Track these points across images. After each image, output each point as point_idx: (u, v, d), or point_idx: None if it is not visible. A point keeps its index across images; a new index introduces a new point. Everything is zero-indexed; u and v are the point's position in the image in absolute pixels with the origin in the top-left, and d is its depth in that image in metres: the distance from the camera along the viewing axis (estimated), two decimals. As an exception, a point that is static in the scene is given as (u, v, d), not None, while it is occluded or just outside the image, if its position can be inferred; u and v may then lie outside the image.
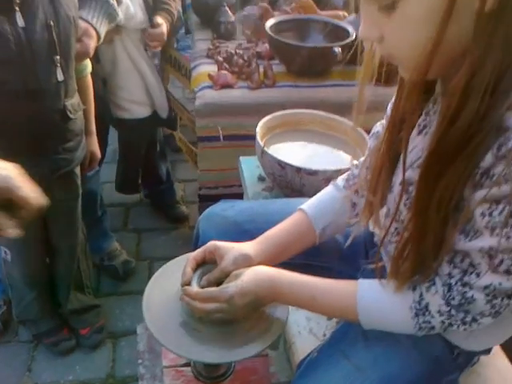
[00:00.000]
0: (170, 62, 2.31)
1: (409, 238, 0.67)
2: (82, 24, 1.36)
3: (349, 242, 0.89)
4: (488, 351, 0.85)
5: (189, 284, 0.81)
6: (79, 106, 1.36)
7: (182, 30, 2.95)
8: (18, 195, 0.72)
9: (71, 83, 1.30)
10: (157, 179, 2.21)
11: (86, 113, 1.44)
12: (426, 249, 0.65)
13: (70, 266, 1.61)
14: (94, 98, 1.54)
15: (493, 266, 0.60)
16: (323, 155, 1.36)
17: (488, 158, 0.56)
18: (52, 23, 1.17)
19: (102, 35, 1.44)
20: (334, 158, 1.37)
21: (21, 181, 0.72)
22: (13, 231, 0.73)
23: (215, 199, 1.24)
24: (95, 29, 1.40)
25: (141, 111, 1.92)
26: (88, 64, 1.49)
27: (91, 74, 1.52)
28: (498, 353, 0.92)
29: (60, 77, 1.23)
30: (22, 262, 1.51)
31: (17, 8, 1.11)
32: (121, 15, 1.52)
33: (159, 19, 1.77)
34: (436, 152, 0.60)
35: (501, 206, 0.56)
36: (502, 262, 0.59)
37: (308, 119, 1.44)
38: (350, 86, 1.64)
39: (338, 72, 1.76)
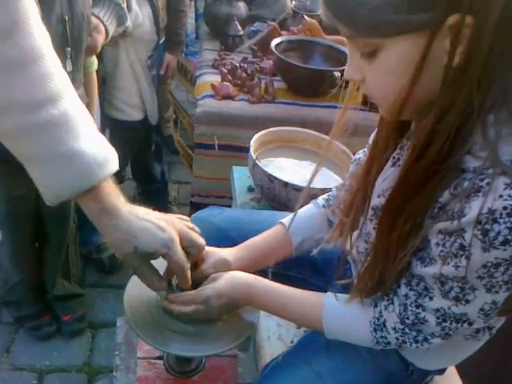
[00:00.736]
0: (177, 66, 2.39)
1: (373, 259, 0.73)
2: (94, 20, 1.45)
3: (316, 251, 0.93)
4: (442, 371, 0.90)
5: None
6: (83, 99, 1.43)
7: (193, 35, 3.03)
8: (173, 261, 0.77)
9: (79, 75, 1.37)
10: (150, 178, 2.28)
11: (88, 107, 1.51)
12: (387, 270, 0.71)
13: (58, 253, 1.65)
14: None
15: (443, 292, 0.66)
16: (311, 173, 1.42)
17: (446, 195, 0.62)
18: (67, 18, 1.25)
19: (110, 34, 1.53)
20: (321, 176, 1.44)
21: (178, 243, 0.77)
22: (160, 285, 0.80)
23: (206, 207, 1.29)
24: (105, 26, 1.49)
25: (134, 114, 2.02)
26: (95, 61, 1.57)
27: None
28: (452, 374, 0.97)
29: (69, 67, 1.30)
30: (12, 242, 1.56)
31: (36, 0, 1.19)
32: (129, 22, 1.60)
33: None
34: (401, 184, 0.66)
35: (453, 239, 0.61)
36: (451, 288, 0.65)
37: (302, 137, 1.51)
38: (352, 109, 1.70)
39: (336, 94, 1.82)
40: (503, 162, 0.57)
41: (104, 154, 0.72)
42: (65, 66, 1.29)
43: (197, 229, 0.84)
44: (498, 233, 0.57)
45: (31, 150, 0.68)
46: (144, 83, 1.97)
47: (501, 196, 0.56)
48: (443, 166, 0.62)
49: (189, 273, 0.81)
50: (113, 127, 2.08)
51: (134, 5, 1.73)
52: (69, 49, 1.28)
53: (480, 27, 0.55)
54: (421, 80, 0.60)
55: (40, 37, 0.66)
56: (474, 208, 0.58)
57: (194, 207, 1.84)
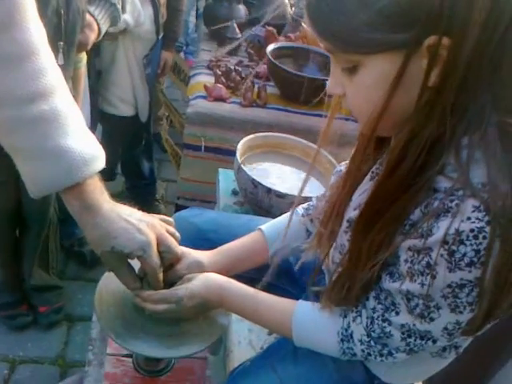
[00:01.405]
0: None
1: (343, 270, 0.74)
2: (88, 17, 1.46)
3: (298, 266, 0.95)
4: (407, 387, 0.91)
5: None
6: (71, 93, 1.43)
7: (195, 35, 3.03)
8: (147, 263, 0.78)
9: (68, 69, 1.38)
10: (138, 175, 2.28)
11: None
12: (356, 283, 0.72)
13: (37, 242, 1.64)
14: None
15: (409, 308, 0.66)
16: (296, 181, 1.43)
17: (417, 213, 0.63)
18: (62, 12, 1.25)
19: (102, 32, 1.54)
20: (307, 186, 1.44)
21: (155, 247, 0.78)
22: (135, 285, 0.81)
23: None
24: (98, 24, 1.50)
25: (126, 110, 2.03)
26: (84, 57, 1.58)
27: (88, 66, 1.60)
28: (419, 390, 0.98)
29: (61, 61, 1.30)
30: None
31: None
32: (130, 20, 1.61)
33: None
34: (373, 198, 0.67)
35: (420, 257, 0.62)
36: (417, 305, 0.65)
37: (290, 144, 1.51)
38: (335, 118, 1.71)
39: (327, 104, 1.83)
40: (474, 184, 0.58)
41: (91, 152, 0.72)
42: (57, 60, 1.30)
43: (177, 234, 0.85)
44: (464, 254, 0.57)
45: (19, 143, 0.70)
46: (138, 80, 1.98)
47: (469, 218, 0.57)
48: (415, 184, 0.62)
49: (161, 276, 0.82)
50: (104, 122, 2.08)
51: (138, 2, 1.75)
52: (61, 43, 1.28)
53: (456, 49, 0.56)
54: (397, 97, 0.61)
55: (36, 32, 0.68)
56: (441, 228, 0.58)
57: (179, 209, 1.82)
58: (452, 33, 0.55)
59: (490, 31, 0.55)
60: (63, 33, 1.27)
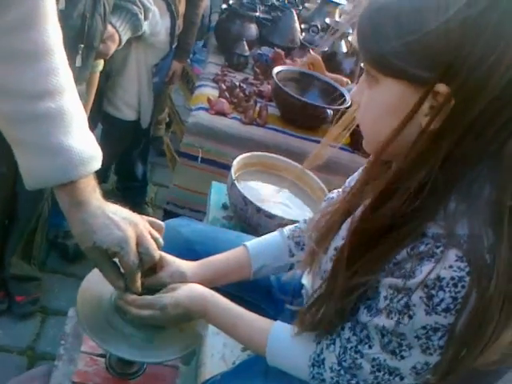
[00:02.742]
0: (181, 72, 2.44)
1: (320, 296, 0.76)
2: (110, 29, 1.52)
3: (287, 276, 0.97)
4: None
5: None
6: (83, 95, 1.46)
7: (201, 44, 3.08)
8: (124, 261, 0.79)
9: (85, 72, 1.41)
10: (131, 176, 2.30)
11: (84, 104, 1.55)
12: (331, 310, 0.74)
13: (23, 232, 1.64)
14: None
15: (382, 344, 0.69)
16: (286, 203, 1.46)
17: (403, 253, 0.66)
18: (88, 15, 1.29)
19: (123, 42, 1.59)
20: (295, 207, 1.47)
21: (133, 246, 0.79)
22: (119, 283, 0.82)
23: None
24: (119, 36, 1.54)
25: (128, 114, 2.06)
26: (101, 62, 1.61)
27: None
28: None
29: (78, 63, 1.34)
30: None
31: None
32: (146, 28, 1.66)
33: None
34: (356, 233, 0.69)
35: (400, 296, 0.64)
36: (390, 342, 0.68)
37: (283, 166, 1.54)
38: (332, 146, 1.75)
39: (325, 131, 1.87)
40: (459, 235, 0.61)
41: (90, 152, 0.75)
42: (74, 61, 1.34)
43: (160, 240, 0.86)
44: (442, 300, 0.60)
45: (21, 136, 0.72)
46: (145, 87, 2.02)
47: (451, 266, 0.60)
48: (405, 227, 0.65)
49: (138, 276, 0.83)
50: (105, 123, 2.11)
51: (157, 13, 1.80)
52: (82, 45, 1.33)
53: (461, 109, 0.58)
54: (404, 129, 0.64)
55: (53, 34, 0.71)
56: (424, 272, 0.61)
57: (167, 215, 1.85)
58: (462, 92, 0.58)
59: (502, 104, 0.57)
60: (85, 36, 1.31)
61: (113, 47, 1.55)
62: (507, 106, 0.58)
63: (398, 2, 0.61)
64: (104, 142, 2.18)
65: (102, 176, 2.28)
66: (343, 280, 0.71)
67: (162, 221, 1.81)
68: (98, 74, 1.64)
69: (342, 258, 0.72)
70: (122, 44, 1.59)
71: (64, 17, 1.24)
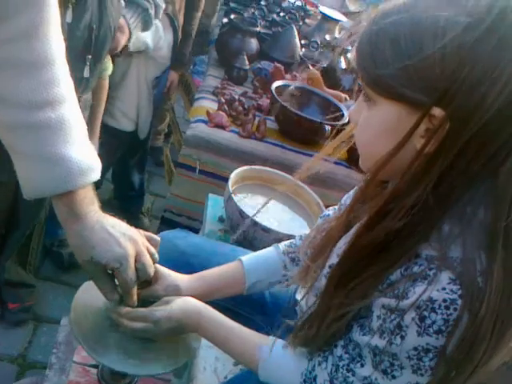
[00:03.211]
0: (182, 82, 2.46)
1: (313, 313, 0.76)
2: (120, 20, 1.50)
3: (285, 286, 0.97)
4: None
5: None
6: (88, 103, 1.47)
7: (204, 56, 3.10)
8: (121, 277, 0.79)
9: (92, 81, 1.42)
10: (127, 185, 2.31)
11: (94, 110, 1.55)
12: (323, 328, 0.74)
13: (20, 239, 1.64)
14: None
15: (374, 363, 0.69)
16: (282, 217, 1.47)
17: (397, 274, 0.66)
18: (94, 27, 1.31)
19: (133, 37, 1.59)
20: (291, 222, 1.48)
21: (132, 263, 0.79)
22: (113, 297, 0.83)
23: (176, 226, 1.28)
24: (129, 28, 1.55)
25: (126, 125, 2.08)
26: (110, 66, 1.61)
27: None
28: None
29: (86, 74, 1.35)
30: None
31: (70, 6, 1.24)
32: (150, 43, 1.67)
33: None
34: (350, 251, 0.70)
35: (393, 316, 0.65)
36: (382, 361, 0.68)
37: (280, 180, 1.55)
38: (326, 160, 1.77)
39: (323, 146, 1.88)
40: (452, 258, 0.61)
41: (88, 163, 0.75)
42: (82, 72, 1.35)
43: (156, 256, 0.86)
44: (434, 322, 0.61)
45: (21, 145, 0.72)
46: (145, 100, 2.04)
47: (443, 289, 0.60)
48: (399, 247, 0.65)
49: (134, 291, 0.83)
50: (103, 132, 2.11)
51: (161, 28, 1.82)
52: (89, 56, 1.33)
53: (455, 135, 0.59)
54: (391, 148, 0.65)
55: (55, 45, 0.72)
56: (417, 293, 0.62)
57: (164, 222, 1.86)
58: (457, 116, 0.59)
59: (497, 128, 0.58)
60: (93, 47, 1.32)
61: (122, 40, 1.54)
62: (501, 129, 0.59)
63: (396, 25, 0.62)
64: (100, 150, 2.20)
65: (95, 183, 2.29)
66: (337, 299, 0.71)
67: (159, 228, 1.82)
68: (107, 79, 1.64)
69: (335, 275, 0.73)
70: (132, 39, 1.59)
71: (71, 28, 1.26)
